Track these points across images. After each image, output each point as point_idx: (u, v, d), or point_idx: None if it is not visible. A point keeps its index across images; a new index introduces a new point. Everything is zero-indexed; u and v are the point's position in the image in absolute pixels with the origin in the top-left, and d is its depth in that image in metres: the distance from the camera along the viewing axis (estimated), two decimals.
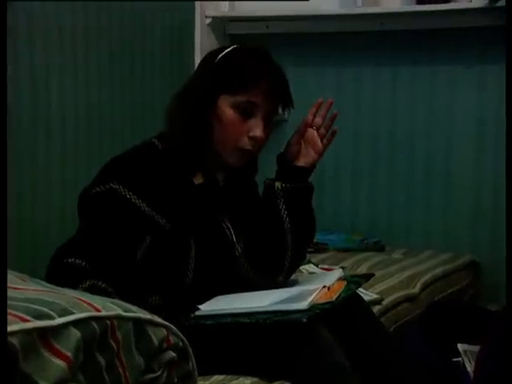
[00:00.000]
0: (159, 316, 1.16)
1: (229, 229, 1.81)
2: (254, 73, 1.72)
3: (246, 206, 1.87)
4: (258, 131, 1.72)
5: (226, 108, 1.72)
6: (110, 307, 1.09)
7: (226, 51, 1.77)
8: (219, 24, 3.41)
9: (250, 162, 1.84)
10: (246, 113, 1.72)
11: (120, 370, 1.08)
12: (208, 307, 1.67)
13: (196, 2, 3.31)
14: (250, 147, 1.74)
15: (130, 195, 1.63)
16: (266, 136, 1.76)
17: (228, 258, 1.79)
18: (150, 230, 1.65)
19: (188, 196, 1.72)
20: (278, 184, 1.81)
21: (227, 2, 3.47)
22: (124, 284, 1.61)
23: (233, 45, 1.83)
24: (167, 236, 1.67)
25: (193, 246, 1.70)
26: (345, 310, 1.72)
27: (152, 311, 1.16)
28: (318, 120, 1.84)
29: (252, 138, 1.73)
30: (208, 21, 3.37)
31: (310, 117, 1.83)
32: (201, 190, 1.75)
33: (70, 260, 1.59)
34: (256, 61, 1.75)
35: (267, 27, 3.41)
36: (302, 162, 1.83)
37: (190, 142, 1.73)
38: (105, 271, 1.59)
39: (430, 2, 3.08)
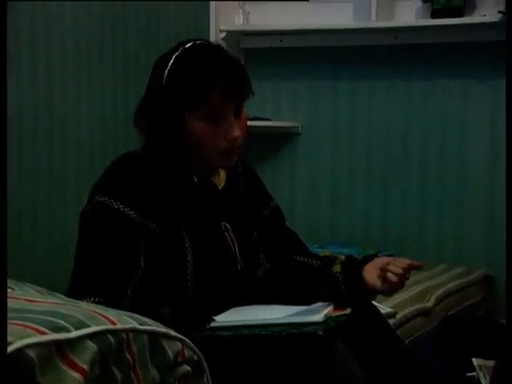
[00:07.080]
0: (170, 327, 1.16)
1: (233, 242, 1.79)
2: (206, 82, 1.64)
3: (249, 213, 1.86)
4: (233, 132, 1.69)
5: (195, 123, 1.67)
6: (125, 320, 1.09)
7: (170, 66, 1.67)
8: (233, 38, 3.43)
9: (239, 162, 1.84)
10: (215, 119, 1.67)
11: (135, 383, 1.08)
12: (224, 319, 1.67)
13: (210, 17, 3.33)
14: (231, 147, 1.71)
15: (117, 205, 1.62)
16: (243, 127, 1.73)
17: (230, 271, 1.79)
18: (142, 237, 1.64)
19: (177, 198, 1.71)
20: (337, 268, 1.80)
21: (241, 16, 3.49)
22: (138, 296, 1.61)
23: (173, 51, 1.71)
24: (159, 240, 1.67)
25: (188, 248, 1.69)
26: (362, 322, 1.72)
27: (163, 323, 1.16)
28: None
29: (230, 140, 1.70)
30: (222, 35, 3.38)
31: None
32: (192, 190, 1.74)
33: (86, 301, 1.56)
34: (203, 68, 1.67)
35: (281, 41, 3.43)
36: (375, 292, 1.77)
37: (173, 155, 1.72)
38: (119, 293, 1.58)
39: (444, 17, 3.09)
